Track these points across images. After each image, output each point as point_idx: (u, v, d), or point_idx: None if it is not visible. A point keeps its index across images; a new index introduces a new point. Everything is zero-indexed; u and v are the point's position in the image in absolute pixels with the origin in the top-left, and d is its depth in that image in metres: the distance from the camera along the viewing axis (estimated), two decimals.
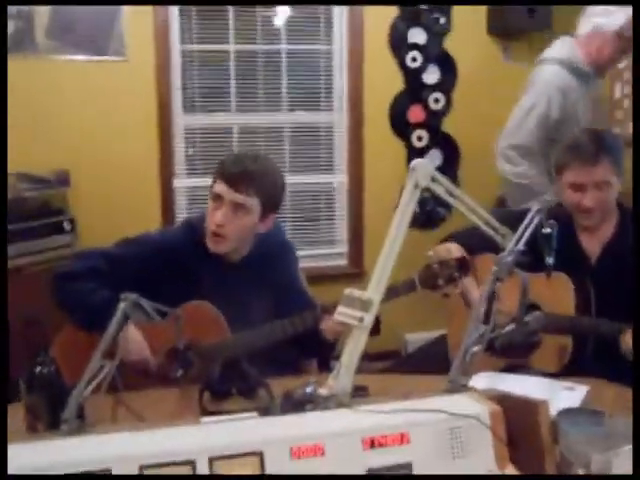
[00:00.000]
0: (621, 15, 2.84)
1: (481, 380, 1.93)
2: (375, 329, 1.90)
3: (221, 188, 2.15)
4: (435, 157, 4.33)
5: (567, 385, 1.97)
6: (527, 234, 1.90)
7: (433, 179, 1.75)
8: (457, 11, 4.23)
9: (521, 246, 1.86)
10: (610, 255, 2.34)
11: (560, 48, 3.10)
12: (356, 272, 4.22)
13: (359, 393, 1.75)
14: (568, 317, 2.24)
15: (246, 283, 2.28)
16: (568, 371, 2.17)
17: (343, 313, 1.61)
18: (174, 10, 3.88)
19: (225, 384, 1.79)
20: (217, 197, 2.17)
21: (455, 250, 2.34)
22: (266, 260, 2.34)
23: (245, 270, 2.29)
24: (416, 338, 4.25)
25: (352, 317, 1.60)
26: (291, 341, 2.19)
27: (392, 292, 2.07)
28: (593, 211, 2.28)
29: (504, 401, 1.42)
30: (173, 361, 1.94)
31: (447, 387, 1.65)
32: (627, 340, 2.07)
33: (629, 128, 3.94)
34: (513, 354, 2.25)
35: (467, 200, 1.88)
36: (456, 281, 2.18)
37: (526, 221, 1.93)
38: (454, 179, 4.38)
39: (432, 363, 2.67)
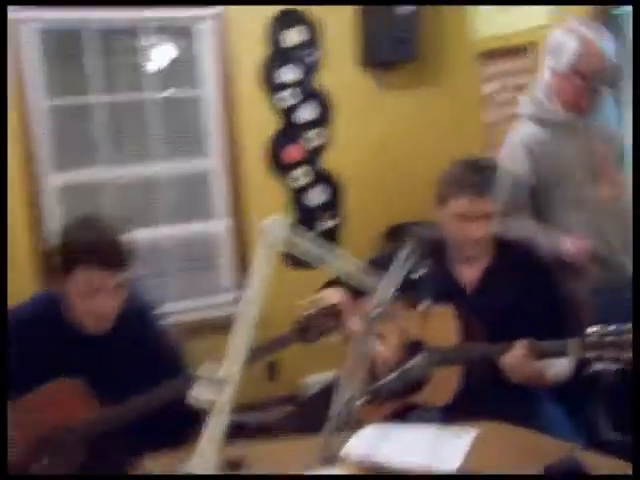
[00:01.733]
0: (569, 50, 2.60)
1: (364, 437, 1.81)
2: (271, 375, 1.82)
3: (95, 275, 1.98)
4: (319, 194, 4.24)
5: (455, 432, 1.87)
6: (400, 278, 1.82)
7: (290, 239, 1.62)
8: (328, 45, 4.18)
9: (390, 297, 1.77)
10: (487, 284, 2.31)
11: (527, 102, 2.86)
12: None
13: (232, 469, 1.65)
14: (449, 348, 2.17)
15: (116, 355, 2.11)
16: (461, 402, 2.12)
17: (196, 395, 1.47)
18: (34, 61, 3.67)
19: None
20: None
21: (332, 296, 2.23)
22: (128, 327, 2.16)
23: (112, 342, 2.12)
24: (315, 380, 4.12)
25: (207, 399, 1.46)
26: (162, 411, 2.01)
27: (265, 349, 1.97)
28: (479, 242, 2.26)
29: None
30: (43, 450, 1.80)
31: (320, 457, 1.55)
32: (508, 359, 2.00)
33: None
34: (401, 396, 2.16)
35: (333, 256, 1.75)
36: (332, 331, 2.08)
37: (398, 264, 1.85)
38: (338, 216, 4.31)
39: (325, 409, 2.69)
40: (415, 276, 1.89)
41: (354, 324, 2.28)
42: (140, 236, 2.37)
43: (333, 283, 2.36)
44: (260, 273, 1.54)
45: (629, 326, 1.81)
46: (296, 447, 1.93)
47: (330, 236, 4.27)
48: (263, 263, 1.55)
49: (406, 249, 1.90)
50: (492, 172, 2.26)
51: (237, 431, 1.52)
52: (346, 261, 1.76)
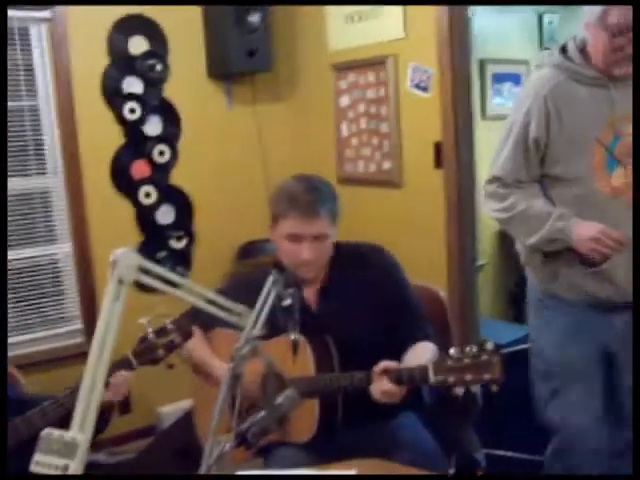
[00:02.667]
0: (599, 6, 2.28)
1: None
2: (125, 408, 1.66)
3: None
4: (168, 212, 4.02)
5: (335, 472, 1.78)
6: (265, 312, 1.69)
7: (141, 269, 1.44)
8: (174, 56, 3.98)
9: (258, 331, 1.63)
10: (326, 300, 2.22)
11: (555, 51, 2.45)
12: None
13: None
14: (312, 379, 2.07)
15: None
16: (323, 435, 2.04)
17: (42, 463, 1.25)
18: None
19: None
20: None
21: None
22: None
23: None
24: (171, 410, 3.93)
25: (54, 466, 1.25)
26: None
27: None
28: (310, 264, 2.14)
29: None
30: None
31: None
32: (379, 387, 1.92)
33: (359, 166, 3.91)
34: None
35: (188, 285, 1.60)
36: (178, 346, 1.96)
37: (262, 297, 1.73)
38: (190, 234, 4.11)
39: (184, 439, 2.60)
40: (282, 305, 1.76)
41: (220, 369, 2.15)
42: None
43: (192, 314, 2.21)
44: (110, 310, 1.35)
45: (488, 345, 1.78)
46: None
47: (182, 256, 4.07)
48: (113, 297, 1.36)
49: (271, 278, 1.76)
50: (325, 191, 2.17)
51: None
52: (199, 293, 1.60)
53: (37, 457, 1.25)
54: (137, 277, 1.41)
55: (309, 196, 2.09)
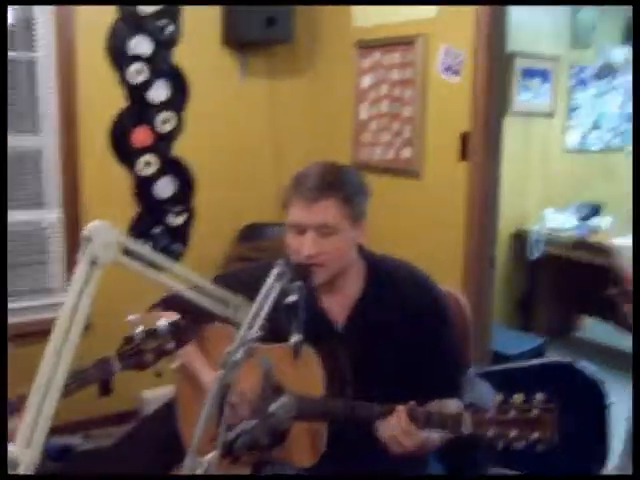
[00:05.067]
0: None
1: None
2: (106, 389, 1.61)
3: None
4: (168, 185, 3.77)
5: None
6: (266, 309, 1.45)
7: (123, 248, 1.18)
8: (188, 18, 3.72)
9: (257, 331, 1.38)
10: (359, 319, 1.91)
11: None
12: None
13: None
14: (320, 400, 1.79)
15: None
16: (327, 465, 1.78)
17: None
18: None
19: None
20: None
21: (168, 316, 1.82)
22: None
23: None
24: (153, 395, 3.70)
25: None
26: None
27: (76, 383, 1.56)
28: (314, 261, 1.78)
29: None
30: None
31: None
32: (387, 429, 1.66)
33: (376, 152, 3.65)
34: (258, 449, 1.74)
35: (180, 270, 1.35)
36: (170, 353, 1.68)
37: (263, 291, 1.47)
38: (189, 210, 3.86)
39: (168, 428, 2.27)
40: (286, 303, 1.51)
41: (207, 375, 1.91)
42: None
43: (168, 301, 1.97)
44: (79, 293, 1.09)
45: (539, 397, 1.53)
46: None
47: (179, 233, 3.83)
48: (83, 280, 1.11)
49: (275, 270, 1.51)
50: (341, 178, 1.84)
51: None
52: (190, 280, 1.34)
53: None
54: (116, 258, 1.15)
55: (316, 180, 1.79)
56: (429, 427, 1.64)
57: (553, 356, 4.04)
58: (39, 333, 3.36)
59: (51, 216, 3.56)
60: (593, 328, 5.39)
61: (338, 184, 1.81)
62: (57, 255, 3.59)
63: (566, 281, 5.19)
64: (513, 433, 1.54)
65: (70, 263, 3.56)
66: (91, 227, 1.12)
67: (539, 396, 1.54)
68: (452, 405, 1.85)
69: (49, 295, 3.60)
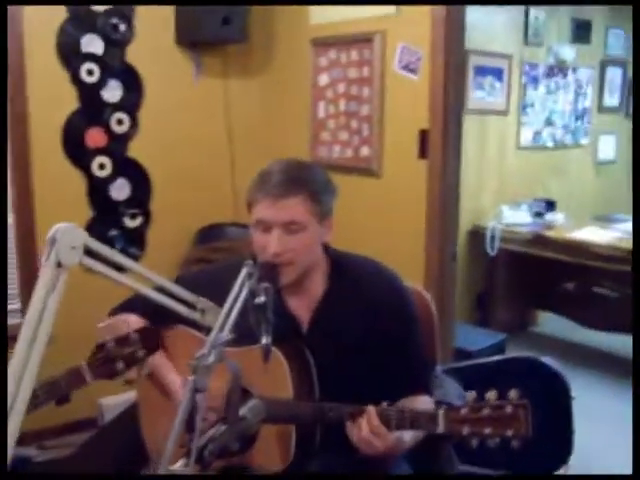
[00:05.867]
0: None
1: None
2: (64, 397, 1.57)
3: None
4: (123, 186, 3.69)
5: None
6: (235, 312, 1.41)
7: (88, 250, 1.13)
8: (141, 17, 3.64)
9: (227, 335, 1.35)
10: (323, 319, 1.88)
11: None
12: None
13: None
14: (289, 403, 1.75)
15: None
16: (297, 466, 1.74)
17: None
18: None
19: None
20: None
21: (135, 321, 1.80)
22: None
23: None
24: (112, 402, 3.60)
25: None
26: None
27: (46, 395, 1.52)
28: (280, 259, 1.75)
29: None
30: None
31: None
32: (357, 432, 1.63)
33: (335, 151, 3.63)
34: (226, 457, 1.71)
35: (143, 271, 1.31)
36: (141, 361, 1.66)
37: (233, 293, 1.44)
38: (145, 212, 3.78)
39: (129, 435, 2.23)
40: (254, 304, 1.48)
41: (175, 387, 1.86)
42: None
43: (132, 305, 1.92)
44: (42, 303, 1.04)
45: (513, 394, 1.52)
46: None
47: (135, 235, 3.75)
48: (48, 284, 1.05)
49: (244, 270, 1.47)
50: (307, 174, 1.81)
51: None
52: (152, 282, 1.31)
53: None
54: (81, 260, 1.10)
55: (282, 176, 1.76)
56: (402, 428, 1.62)
57: (513, 351, 4.07)
58: None
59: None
60: (549, 323, 5.46)
61: (304, 180, 1.78)
62: (10, 260, 3.48)
63: (522, 276, 5.25)
64: (487, 430, 1.52)
65: (24, 269, 3.46)
66: (56, 229, 1.07)
67: (513, 393, 1.53)
68: (423, 402, 1.84)
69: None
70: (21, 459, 3.15)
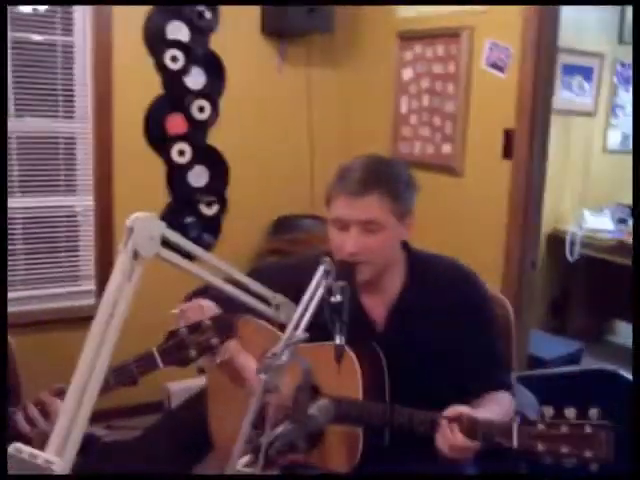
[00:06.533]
0: None
1: None
2: (132, 380, 1.54)
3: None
4: (201, 174, 3.70)
5: None
6: (311, 311, 1.37)
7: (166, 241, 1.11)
8: (227, 6, 3.63)
9: (301, 334, 1.31)
10: (399, 318, 1.83)
11: None
12: None
13: None
14: (359, 404, 1.71)
15: None
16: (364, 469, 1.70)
17: None
18: None
19: None
20: None
21: (210, 307, 1.75)
22: None
23: None
24: (179, 387, 3.62)
25: None
26: None
27: (117, 380, 1.51)
28: (357, 259, 1.70)
29: None
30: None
31: None
32: (449, 439, 1.56)
33: (415, 147, 3.56)
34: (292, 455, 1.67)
35: (218, 264, 1.28)
36: (215, 348, 1.61)
37: (310, 291, 1.40)
38: (222, 201, 3.79)
39: (196, 421, 2.22)
40: (330, 302, 1.44)
41: (252, 375, 1.81)
42: None
43: (204, 292, 1.87)
44: (118, 293, 1.02)
45: (593, 412, 1.43)
46: None
47: (211, 223, 3.77)
48: (123, 275, 1.04)
49: (322, 268, 1.43)
50: (388, 171, 1.76)
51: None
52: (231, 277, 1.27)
53: None
54: (159, 252, 1.08)
55: (362, 174, 1.71)
56: (475, 439, 1.56)
57: (589, 361, 3.94)
58: (67, 320, 3.37)
59: (83, 203, 3.51)
60: (627, 333, 5.27)
61: (385, 178, 1.73)
62: (88, 243, 3.54)
63: (601, 284, 5.07)
64: (564, 450, 1.44)
65: (101, 251, 3.51)
66: (134, 218, 1.04)
67: (593, 411, 1.45)
68: (503, 401, 1.78)
69: (79, 282, 3.55)
70: (90, 437, 3.21)
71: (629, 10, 5.06)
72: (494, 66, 3.14)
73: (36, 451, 0.92)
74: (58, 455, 0.90)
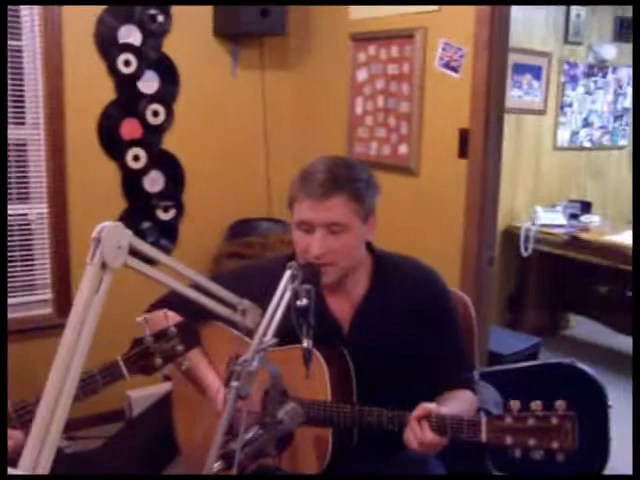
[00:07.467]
0: None
1: None
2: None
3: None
4: (157, 179, 3.67)
5: None
6: (279, 314, 1.37)
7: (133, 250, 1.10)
8: (179, 8, 3.62)
9: (270, 339, 1.31)
10: (365, 319, 1.85)
11: None
12: (64, 322, 3.41)
13: None
14: (328, 405, 1.72)
15: None
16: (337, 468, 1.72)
17: None
18: None
19: None
20: None
21: (174, 316, 1.73)
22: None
23: None
24: (140, 394, 3.58)
25: None
26: None
27: (82, 390, 1.47)
28: (323, 261, 1.72)
29: None
30: None
31: None
32: (418, 436, 1.58)
33: (372, 148, 3.58)
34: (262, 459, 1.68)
35: (183, 270, 1.28)
36: (180, 356, 1.59)
37: (277, 296, 1.40)
38: (178, 205, 3.76)
39: (158, 429, 2.40)
40: (297, 306, 1.44)
41: (213, 379, 1.85)
42: None
43: (167, 301, 1.88)
44: (87, 305, 1.01)
45: (559, 404, 1.47)
46: None
47: (168, 228, 3.74)
48: (92, 289, 1.02)
49: (288, 272, 1.44)
50: (350, 173, 1.77)
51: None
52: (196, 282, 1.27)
53: None
54: (126, 261, 1.06)
55: (325, 175, 1.72)
56: (445, 435, 1.58)
57: (545, 356, 4.00)
58: (23, 331, 3.29)
59: (36, 210, 3.44)
60: (581, 326, 5.37)
61: (347, 180, 1.75)
62: (43, 251, 3.47)
63: (555, 279, 5.17)
64: (532, 442, 1.48)
65: (57, 259, 3.45)
66: (100, 229, 1.03)
67: (559, 403, 1.48)
68: (466, 399, 1.81)
69: (35, 292, 3.48)
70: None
71: (573, 10, 5.17)
72: (448, 66, 3.17)
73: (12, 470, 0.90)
74: (32, 471, 0.89)
